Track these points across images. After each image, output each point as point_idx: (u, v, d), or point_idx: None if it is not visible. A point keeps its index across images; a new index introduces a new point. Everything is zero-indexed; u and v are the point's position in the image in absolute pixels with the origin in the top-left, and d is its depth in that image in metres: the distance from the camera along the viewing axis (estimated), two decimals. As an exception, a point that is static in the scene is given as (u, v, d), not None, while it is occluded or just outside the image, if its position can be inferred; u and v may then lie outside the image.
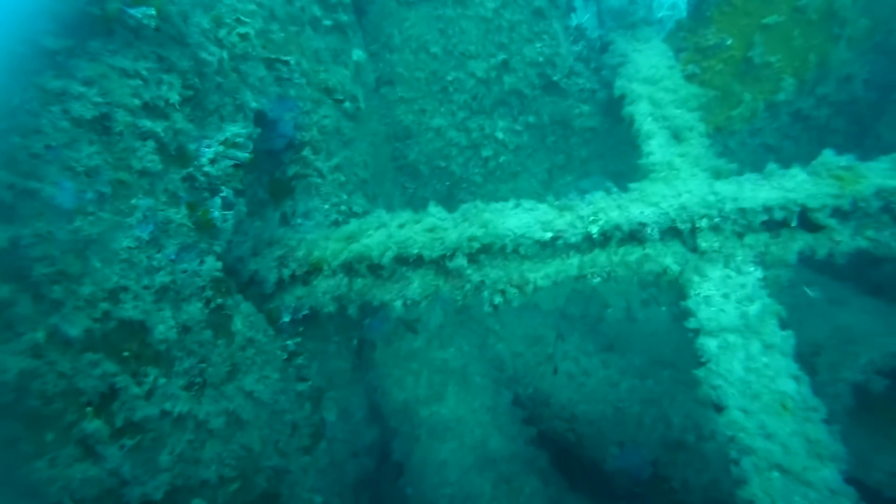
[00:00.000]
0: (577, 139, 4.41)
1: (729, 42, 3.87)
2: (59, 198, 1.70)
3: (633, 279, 2.66)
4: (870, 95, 3.85)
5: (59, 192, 1.71)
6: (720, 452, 2.96)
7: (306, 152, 3.22)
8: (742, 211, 2.46)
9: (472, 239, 2.60)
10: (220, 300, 2.20)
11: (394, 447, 3.77)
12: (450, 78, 4.06)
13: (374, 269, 2.81)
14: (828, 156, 2.48)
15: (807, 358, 3.26)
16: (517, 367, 4.16)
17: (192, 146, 2.07)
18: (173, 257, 1.90)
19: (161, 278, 1.86)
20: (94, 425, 1.72)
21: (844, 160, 2.45)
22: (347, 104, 3.53)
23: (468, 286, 2.73)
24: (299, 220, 3.32)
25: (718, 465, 3.49)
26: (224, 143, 2.30)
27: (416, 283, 2.75)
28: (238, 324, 2.43)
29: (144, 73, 1.97)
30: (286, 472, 2.53)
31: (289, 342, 2.85)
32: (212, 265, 2.10)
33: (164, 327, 1.85)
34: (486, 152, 4.47)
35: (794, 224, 2.49)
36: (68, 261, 1.73)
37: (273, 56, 2.62)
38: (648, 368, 3.92)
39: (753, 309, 2.40)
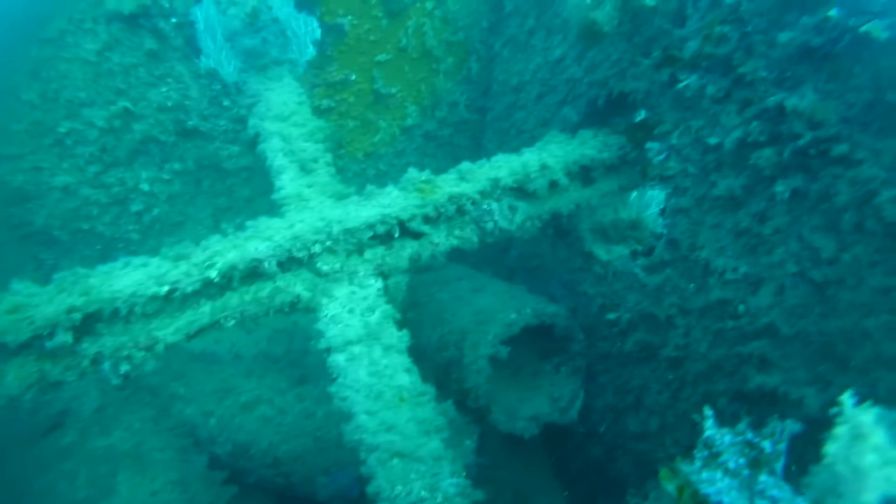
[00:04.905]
0: (235, 179, 4.35)
1: (353, 77, 4.26)
2: None
3: (270, 313, 2.69)
4: (473, 116, 4.65)
5: None
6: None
7: None
8: (349, 231, 2.68)
9: (71, 310, 2.31)
10: None
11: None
12: (63, 129, 3.61)
13: (-51, 371, 2.29)
14: (412, 172, 2.87)
15: (459, 345, 3.75)
16: (211, 426, 3.88)
17: None
18: None
19: None
20: None
21: (424, 175, 2.86)
22: None
23: (85, 362, 2.43)
24: None
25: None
26: None
27: (11, 375, 2.33)
28: None
29: None
30: None
31: None
32: None
33: None
34: (135, 206, 4.10)
35: (397, 235, 2.82)
36: None
37: None
38: (343, 389, 4.05)
39: (374, 318, 2.64)
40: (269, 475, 3.84)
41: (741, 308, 2.41)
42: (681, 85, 2.63)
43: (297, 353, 4.84)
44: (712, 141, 2.49)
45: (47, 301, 2.33)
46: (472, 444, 3.61)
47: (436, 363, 3.81)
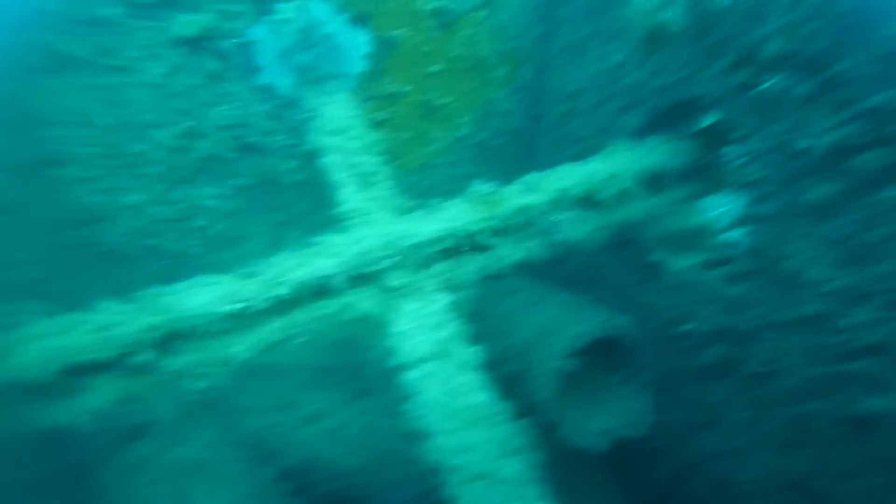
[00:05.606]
0: (293, 194, 4.39)
1: (407, 89, 4.25)
2: None
3: (338, 329, 2.68)
4: (527, 124, 4.57)
5: None
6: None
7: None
8: (416, 245, 2.65)
9: (152, 329, 2.35)
10: None
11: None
12: (134, 151, 3.72)
13: (40, 389, 2.36)
14: (476, 185, 2.82)
15: (524, 358, 3.66)
16: (275, 438, 3.92)
17: None
18: None
19: None
20: None
21: (489, 187, 2.81)
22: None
23: (165, 378, 2.47)
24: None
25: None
26: None
27: (101, 391, 2.39)
28: None
29: None
30: None
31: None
32: None
33: None
34: (198, 222, 4.19)
35: (466, 249, 2.78)
36: None
37: None
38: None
39: (445, 333, 2.59)
40: (334, 488, 3.84)
41: (842, 323, 2.25)
42: (763, 87, 2.49)
43: (356, 365, 4.84)
44: (801, 144, 2.35)
45: (131, 320, 2.38)
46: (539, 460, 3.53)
47: (496, 376, 3.74)
